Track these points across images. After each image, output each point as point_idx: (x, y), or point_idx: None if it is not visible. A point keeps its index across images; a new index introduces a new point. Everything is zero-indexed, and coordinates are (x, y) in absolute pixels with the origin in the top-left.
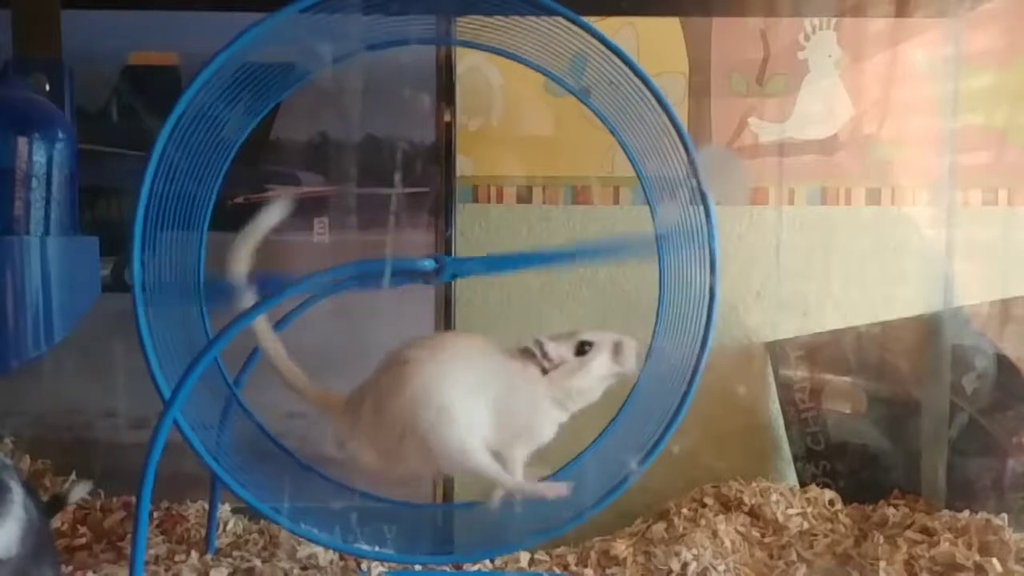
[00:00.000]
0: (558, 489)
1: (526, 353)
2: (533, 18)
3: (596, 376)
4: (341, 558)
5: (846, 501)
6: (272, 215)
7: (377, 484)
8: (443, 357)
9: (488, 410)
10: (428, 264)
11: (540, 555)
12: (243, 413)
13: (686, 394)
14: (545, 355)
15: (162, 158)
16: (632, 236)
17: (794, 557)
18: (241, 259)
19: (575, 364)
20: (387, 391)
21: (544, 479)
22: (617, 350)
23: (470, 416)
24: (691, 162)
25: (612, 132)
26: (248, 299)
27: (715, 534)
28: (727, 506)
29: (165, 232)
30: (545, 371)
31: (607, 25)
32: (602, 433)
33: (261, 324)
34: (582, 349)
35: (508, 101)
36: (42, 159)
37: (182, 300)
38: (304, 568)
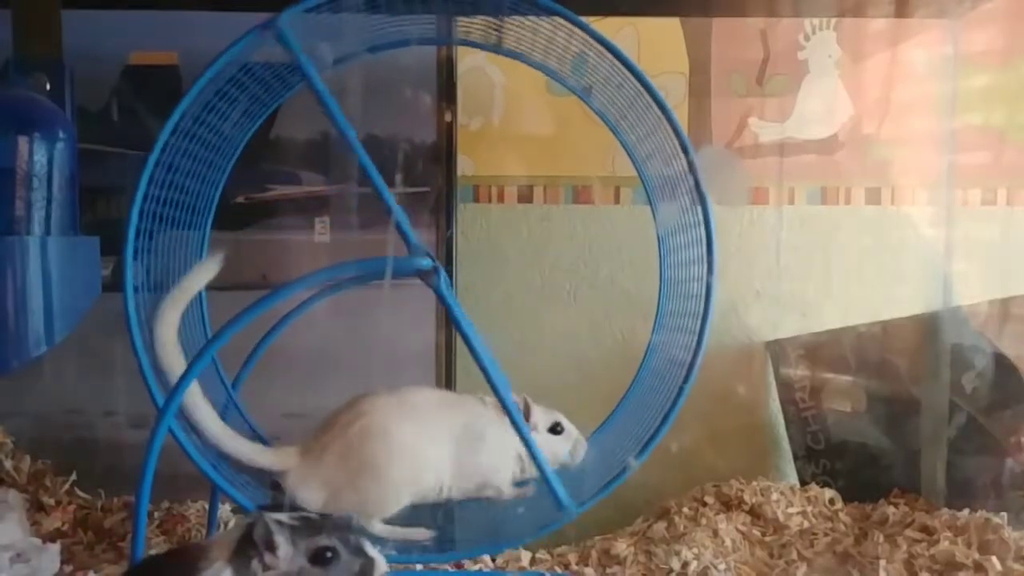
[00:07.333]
0: (424, 533)
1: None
2: (535, 18)
3: (553, 458)
4: None
5: (846, 500)
6: (201, 277)
7: None
8: (418, 413)
9: (450, 457)
10: (425, 263)
11: (541, 554)
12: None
13: (681, 389)
14: (527, 414)
15: (158, 163)
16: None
17: (794, 556)
18: (169, 322)
19: (543, 439)
20: (360, 438)
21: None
22: (575, 446)
23: (426, 469)
24: (690, 163)
25: (613, 131)
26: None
27: (716, 533)
28: (728, 505)
29: (164, 233)
30: None
31: (608, 25)
32: (600, 427)
33: (205, 414)
34: (555, 429)
35: (509, 101)
36: (43, 159)
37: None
38: None
